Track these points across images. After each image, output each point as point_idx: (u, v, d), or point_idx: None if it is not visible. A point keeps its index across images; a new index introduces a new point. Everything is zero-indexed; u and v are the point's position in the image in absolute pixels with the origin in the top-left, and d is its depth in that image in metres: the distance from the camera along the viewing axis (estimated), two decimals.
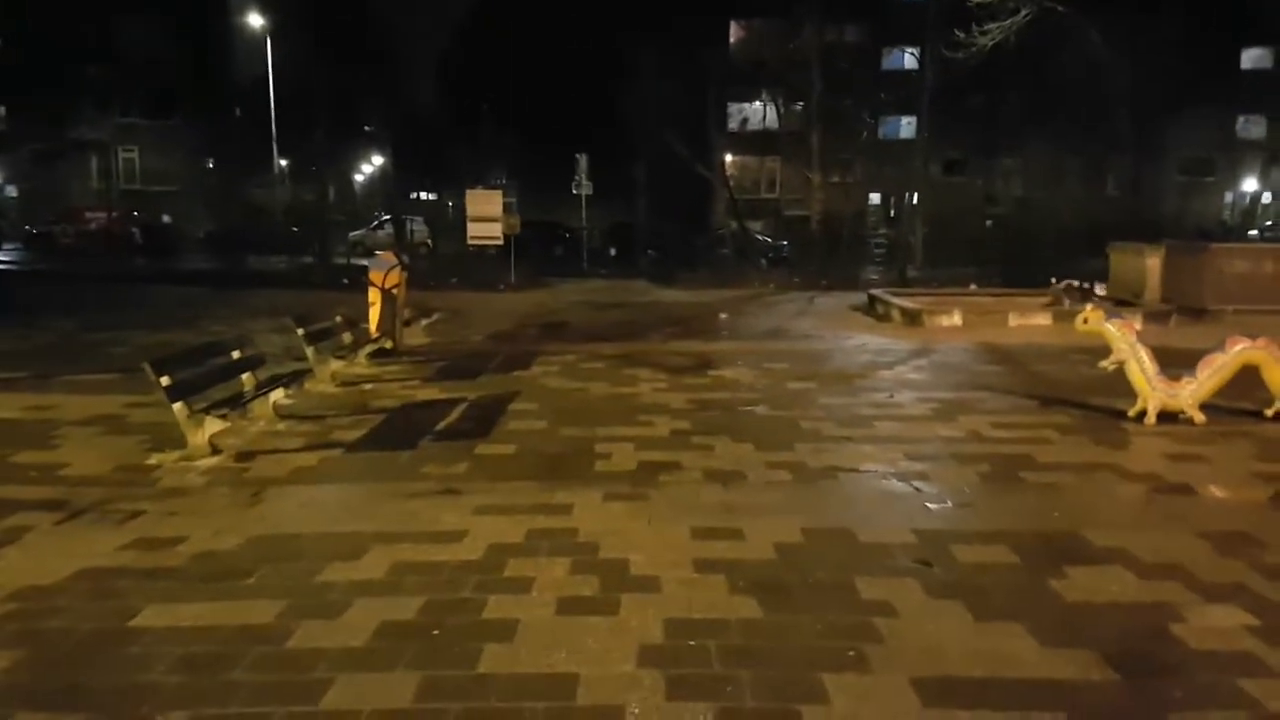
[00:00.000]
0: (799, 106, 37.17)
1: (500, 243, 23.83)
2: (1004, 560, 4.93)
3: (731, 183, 40.77)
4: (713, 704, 3.47)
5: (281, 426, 8.05)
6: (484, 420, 8.31)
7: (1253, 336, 8.23)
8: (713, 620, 4.18)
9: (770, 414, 8.74)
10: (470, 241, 23.96)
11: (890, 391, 9.69)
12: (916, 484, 6.39)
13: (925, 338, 13.77)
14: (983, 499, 6.15)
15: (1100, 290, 15.97)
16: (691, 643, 3.97)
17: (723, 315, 17.45)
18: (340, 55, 34.60)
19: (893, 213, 41.18)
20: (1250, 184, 45.59)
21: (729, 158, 43.93)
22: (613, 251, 35.14)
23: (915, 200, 32.14)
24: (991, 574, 4.75)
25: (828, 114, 31.75)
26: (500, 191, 25.38)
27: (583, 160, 29.59)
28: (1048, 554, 4.97)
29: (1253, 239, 34.41)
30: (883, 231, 37.40)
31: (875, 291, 18.42)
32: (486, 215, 23.16)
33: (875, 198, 43.95)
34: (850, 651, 3.87)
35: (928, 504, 6.00)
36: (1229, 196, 46.12)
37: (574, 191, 30.25)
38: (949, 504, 6.00)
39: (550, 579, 4.66)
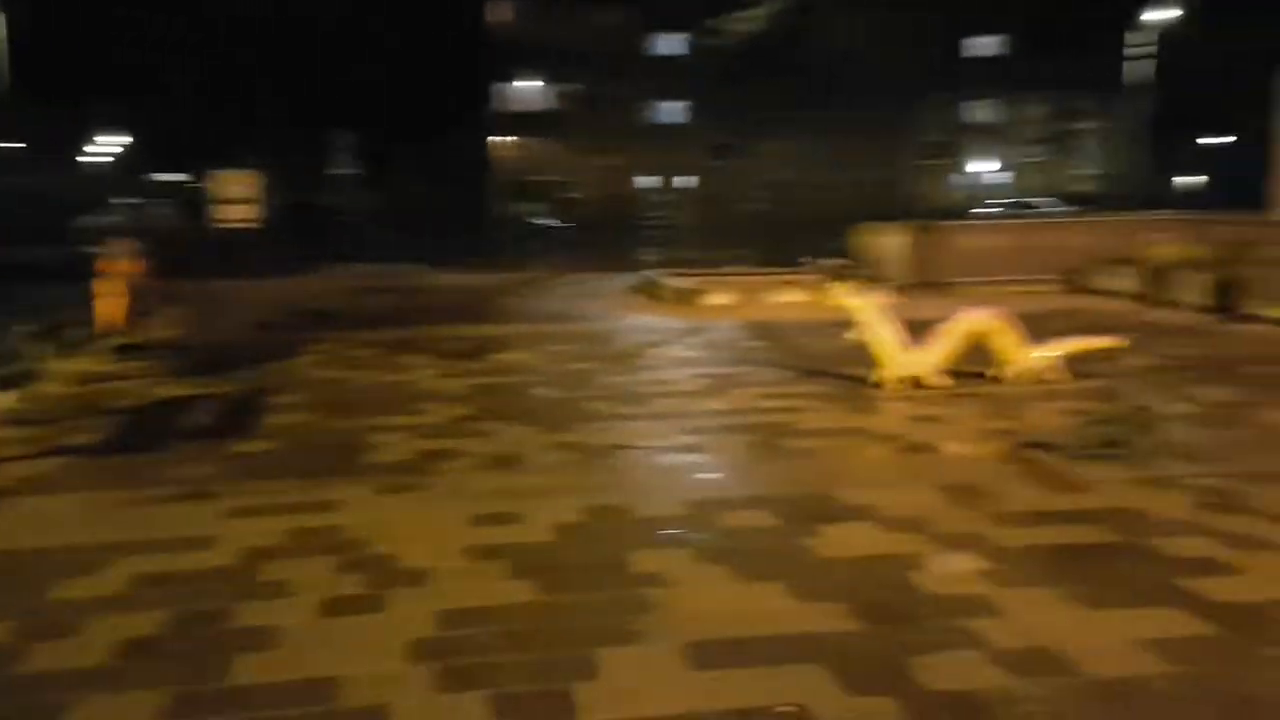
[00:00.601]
0: (572, 88, 37.42)
1: (257, 226, 22.53)
2: (766, 523, 5.16)
3: (509, 164, 40.49)
4: (484, 692, 3.42)
5: (5, 433, 7.24)
6: (240, 416, 7.83)
7: (982, 306, 9.04)
8: (487, 608, 4.13)
9: (551, 396, 8.76)
10: (221, 225, 22.50)
11: (665, 368, 9.94)
12: (690, 457, 6.59)
13: (698, 316, 14.21)
14: (748, 467, 6.44)
15: (848, 269, 17.04)
16: (464, 633, 3.90)
17: (502, 298, 17.29)
18: (75, 26, 31.50)
19: (666, 195, 42.24)
20: (979, 165, 50.07)
21: (506, 139, 43.58)
22: (387, 234, 33.93)
23: (688, 183, 33.12)
24: (754, 537, 4.97)
25: (599, 97, 32.10)
26: (254, 172, 23.88)
27: (345, 138, 28.45)
28: (804, 515, 5.25)
29: (983, 216, 37.74)
30: (657, 213, 38.29)
31: (651, 272, 18.83)
32: (239, 197, 21.84)
33: (651, 180, 44.93)
34: (622, 625, 3.93)
35: (699, 475, 6.21)
36: (961, 177, 50.40)
37: (337, 171, 29.02)
38: (718, 474, 6.24)
39: (312, 580, 4.44)
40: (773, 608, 4.09)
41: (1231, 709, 3.29)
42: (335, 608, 4.16)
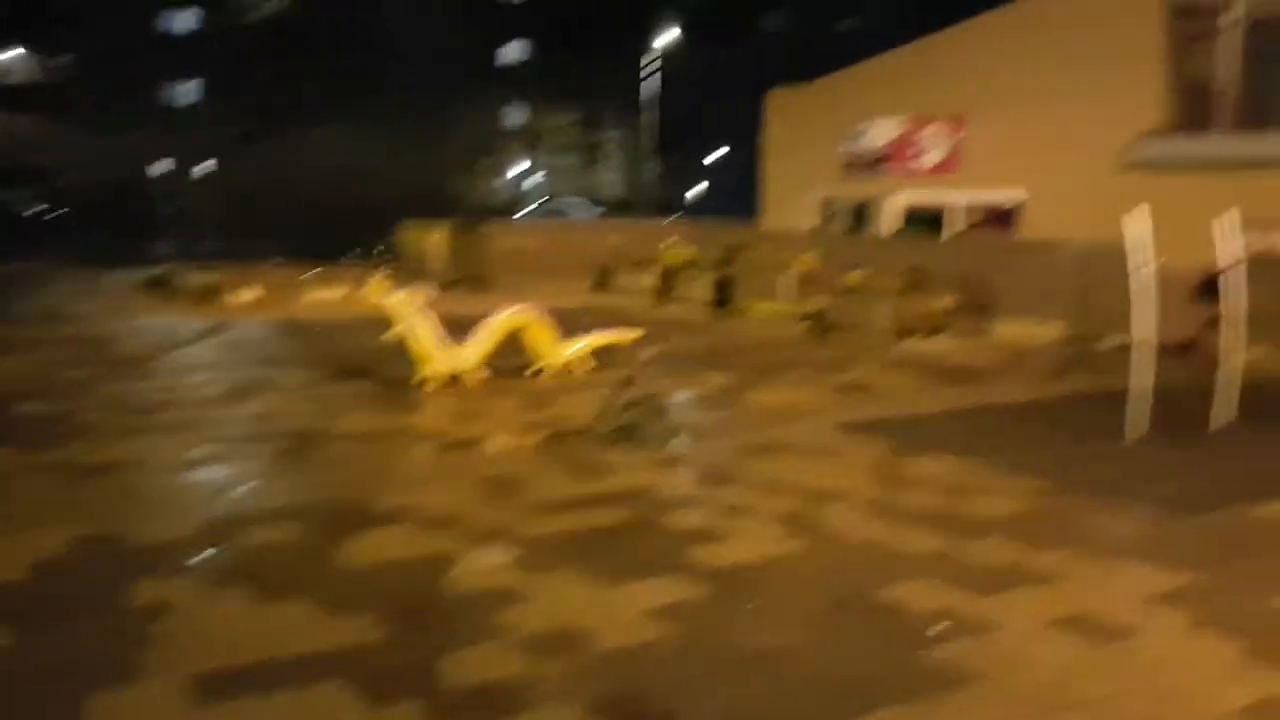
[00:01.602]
0: (67, 60, 32.67)
1: None
2: (292, 537, 4.85)
3: None
4: None
5: None
6: None
7: (519, 303, 9.37)
8: None
9: (35, 410, 7.59)
10: None
11: (181, 374, 9.03)
12: (206, 471, 6.01)
13: (222, 315, 13.15)
14: (276, 477, 6.04)
15: (389, 266, 16.87)
16: None
17: None
18: None
19: (186, 183, 38.49)
20: (519, 166, 52.13)
21: None
22: None
23: (209, 169, 30.56)
24: (278, 554, 4.65)
25: (97, 70, 28.48)
26: None
27: None
28: (337, 523, 5.02)
29: (523, 217, 39.41)
30: (176, 203, 34.77)
31: (166, 267, 17.11)
32: None
33: (166, 167, 40.65)
34: (116, 664, 3.44)
35: (217, 491, 5.67)
36: (502, 177, 52.15)
37: None
38: (240, 488, 5.75)
39: None
40: (296, 627, 3.83)
41: (720, 658, 3.67)
42: None
